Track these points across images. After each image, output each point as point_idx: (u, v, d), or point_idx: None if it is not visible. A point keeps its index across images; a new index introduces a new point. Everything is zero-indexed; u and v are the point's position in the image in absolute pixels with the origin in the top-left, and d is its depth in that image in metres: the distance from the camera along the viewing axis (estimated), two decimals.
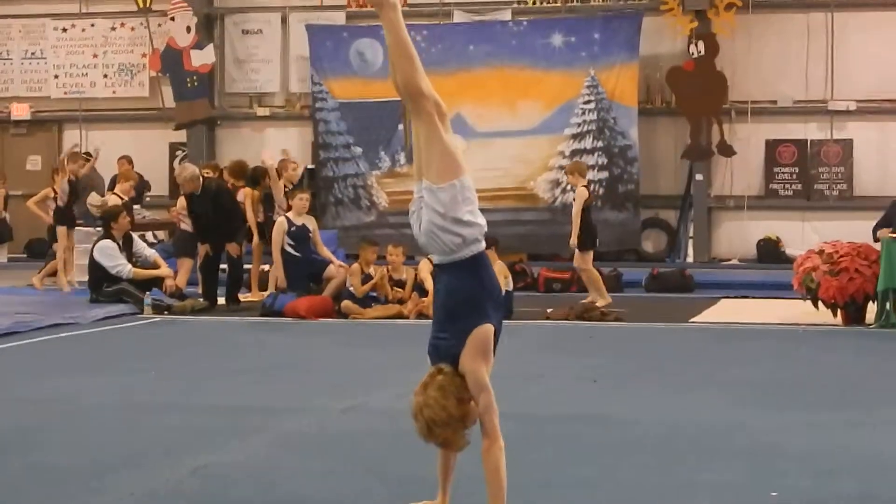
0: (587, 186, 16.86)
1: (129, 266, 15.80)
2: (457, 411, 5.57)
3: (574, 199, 16.66)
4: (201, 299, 16.02)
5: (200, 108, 24.36)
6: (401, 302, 15.18)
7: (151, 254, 16.42)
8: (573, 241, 16.33)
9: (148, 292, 15.61)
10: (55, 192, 18.37)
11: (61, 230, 18.37)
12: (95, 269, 15.94)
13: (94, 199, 18.89)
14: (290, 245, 15.73)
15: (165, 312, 15.42)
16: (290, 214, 15.91)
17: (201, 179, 16.36)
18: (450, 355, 5.66)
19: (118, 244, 15.94)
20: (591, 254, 16.56)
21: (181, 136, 24.56)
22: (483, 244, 5.77)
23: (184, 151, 24.39)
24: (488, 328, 5.66)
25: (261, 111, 24.52)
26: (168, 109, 24.47)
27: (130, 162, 21.44)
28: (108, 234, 16.05)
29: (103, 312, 14.95)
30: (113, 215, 16.27)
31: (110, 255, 15.83)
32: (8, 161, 25.82)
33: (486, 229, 5.79)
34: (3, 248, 23.82)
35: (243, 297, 16.67)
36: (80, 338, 13.33)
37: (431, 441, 5.66)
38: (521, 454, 7.48)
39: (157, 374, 10.85)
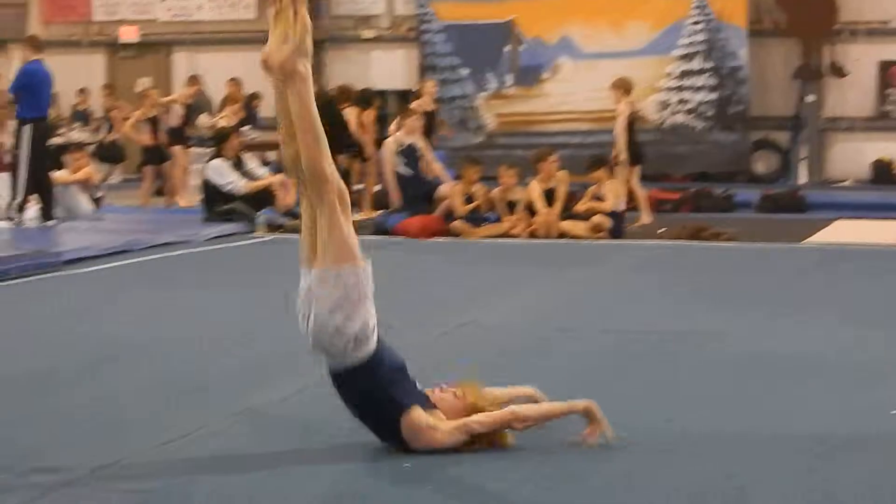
0: (631, 103, 16.75)
1: (242, 182, 15.89)
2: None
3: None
4: None
5: None
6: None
7: (263, 173, 16.50)
8: (622, 157, 16.32)
9: (260, 210, 15.70)
10: (146, 115, 18.53)
11: (176, 150, 18.58)
12: (208, 187, 16.07)
13: (204, 120, 19.03)
14: (401, 164, 15.75)
15: (278, 230, 15.53)
16: (399, 134, 15.91)
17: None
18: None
19: (230, 163, 16.05)
20: (637, 170, 16.51)
21: None
22: (373, 343, 5.43)
23: None
24: (413, 413, 5.34)
25: (367, 33, 24.51)
26: None
27: (239, 84, 21.57)
28: (219, 155, 16.17)
29: (216, 231, 15.09)
30: (224, 136, 16.38)
31: (222, 174, 15.94)
32: (118, 83, 26.07)
33: (374, 328, 5.44)
34: (118, 169, 24.13)
35: (357, 215, 16.72)
36: (193, 256, 13.47)
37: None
38: (649, 370, 7.49)
39: (268, 291, 10.92)
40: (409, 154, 15.79)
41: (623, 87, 16.96)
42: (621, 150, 16.38)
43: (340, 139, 16.34)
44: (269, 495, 4.91)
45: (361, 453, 5.46)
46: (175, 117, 18.35)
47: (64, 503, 4.84)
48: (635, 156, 16.52)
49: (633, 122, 16.70)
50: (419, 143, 16.05)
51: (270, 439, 5.82)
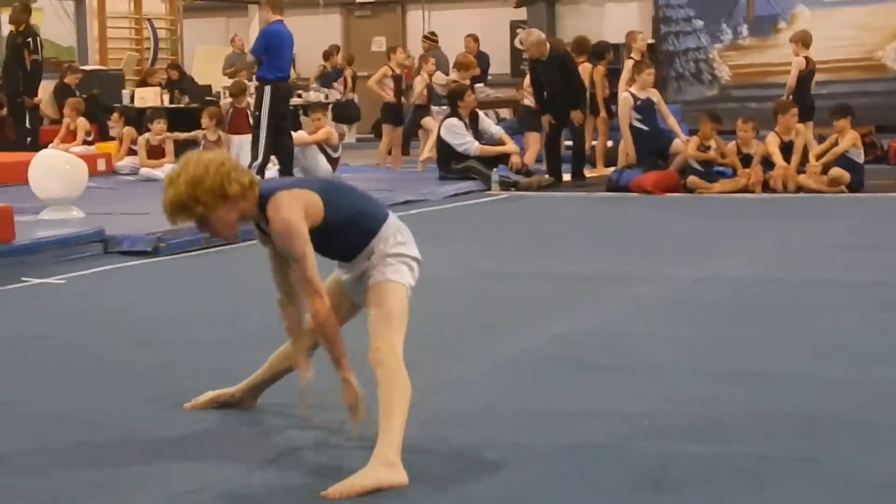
0: (807, 58, 16.41)
1: (476, 143, 16.05)
2: (208, 190, 4.71)
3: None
4: (547, 175, 16.18)
5: None
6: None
7: (497, 131, 16.61)
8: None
9: (495, 168, 15.84)
10: (392, 71, 18.69)
11: (427, 121, 18.80)
12: (443, 146, 16.26)
13: (439, 78, 19.21)
14: (636, 119, 15.70)
15: (512, 189, 15.65)
16: (633, 89, 15.85)
17: (548, 45, 16.43)
18: None
19: (464, 122, 16.21)
20: (809, 125, 16.28)
21: (521, 13, 24.69)
22: None
23: (524, 29, 24.51)
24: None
25: None
26: None
27: (476, 41, 21.72)
28: (454, 113, 16.33)
29: (452, 189, 15.29)
30: (458, 94, 16.52)
31: (457, 133, 16.11)
32: (353, 42, 26.50)
33: None
34: (353, 128, 24.57)
35: (589, 172, 16.77)
36: (431, 213, 13.68)
37: (165, 191, 4.78)
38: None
39: (505, 247, 11.08)
40: (645, 109, 15.72)
41: (802, 39, 16.79)
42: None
43: (575, 95, 16.35)
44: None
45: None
46: (421, 97, 18.46)
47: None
48: (807, 109, 16.18)
49: (808, 76, 16.34)
50: (655, 97, 15.96)
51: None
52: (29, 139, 18.37)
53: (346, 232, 4.99)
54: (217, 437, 5.25)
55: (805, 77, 16.41)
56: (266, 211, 4.80)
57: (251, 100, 16.42)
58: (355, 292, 5.15)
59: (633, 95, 15.75)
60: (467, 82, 17.61)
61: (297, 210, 4.79)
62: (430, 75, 18.38)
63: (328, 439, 5.18)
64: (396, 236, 5.04)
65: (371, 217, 5.04)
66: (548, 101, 16.29)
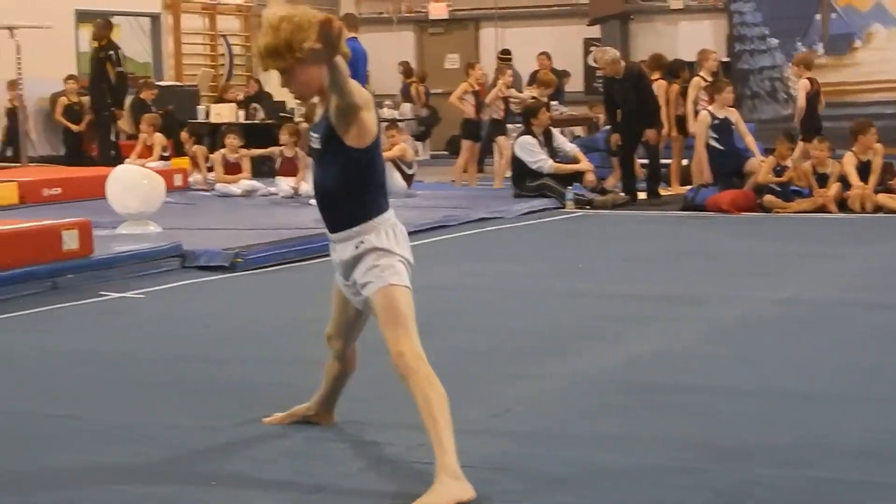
0: (810, 79, 16.39)
1: (550, 161, 16.00)
2: (300, 37, 4.78)
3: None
4: (622, 193, 16.12)
5: (614, 3, 24.39)
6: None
7: (571, 148, 16.55)
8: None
9: (569, 186, 15.80)
10: (472, 88, 18.67)
11: (499, 140, 18.80)
12: (517, 164, 16.25)
13: (513, 95, 19.20)
14: (713, 138, 15.58)
15: (587, 207, 15.61)
16: (712, 107, 15.74)
17: (622, 63, 16.39)
18: None
19: (538, 139, 16.18)
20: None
21: (595, 31, 24.66)
22: None
23: (598, 46, 24.47)
24: None
25: (674, 4, 24.37)
26: (582, 5, 24.64)
27: (549, 58, 21.72)
28: (528, 130, 16.31)
29: (526, 207, 15.26)
30: (533, 111, 16.49)
31: (531, 151, 16.08)
32: (427, 59, 26.56)
33: None
34: (427, 145, 24.63)
35: (664, 191, 16.70)
36: (506, 231, 13.67)
37: (262, 37, 4.89)
38: None
39: (581, 265, 11.06)
40: (722, 128, 15.59)
41: (804, 62, 16.86)
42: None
43: (650, 114, 16.28)
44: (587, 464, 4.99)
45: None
46: (498, 110, 18.43)
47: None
48: (815, 131, 16.07)
49: (815, 97, 16.30)
50: (733, 116, 15.84)
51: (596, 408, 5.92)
52: (113, 152, 18.52)
53: (357, 189, 4.97)
54: (290, 453, 5.27)
55: (812, 98, 16.32)
56: None
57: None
58: (354, 299, 5.14)
59: (711, 114, 15.64)
60: (545, 99, 17.58)
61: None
62: (507, 86, 18.35)
63: (401, 455, 5.19)
64: (388, 232, 5.01)
65: (379, 197, 5.02)
66: (622, 120, 16.23)
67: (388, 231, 5.01)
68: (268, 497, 4.73)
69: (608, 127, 16.45)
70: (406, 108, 23.38)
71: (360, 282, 4.97)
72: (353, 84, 4.78)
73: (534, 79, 20.82)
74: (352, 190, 4.97)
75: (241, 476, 4.98)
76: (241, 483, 4.90)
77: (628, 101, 16.07)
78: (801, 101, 16.33)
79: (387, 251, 4.97)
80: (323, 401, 5.63)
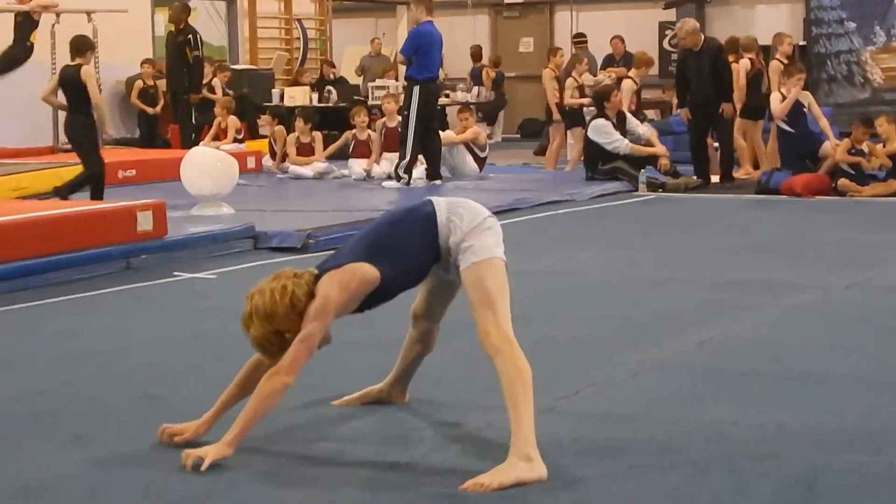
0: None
1: (626, 141, 15.88)
2: (283, 319, 4.90)
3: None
4: (695, 177, 16.02)
5: None
6: None
7: (645, 131, 16.44)
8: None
9: (643, 169, 15.72)
10: (555, 73, 18.60)
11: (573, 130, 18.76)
12: (591, 147, 16.17)
13: (587, 78, 19.16)
14: (784, 122, 15.44)
15: (660, 190, 15.53)
16: (783, 90, 15.59)
17: (702, 36, 16.24)
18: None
19: (612, 122, 16.10)
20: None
21: (670, 14, 24.52)
22: None
23: (673, 31, 24.34)
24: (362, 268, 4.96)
25: None
26: None
27: (623, 42, 21.65)
28: (601, 114, 16.24)
29: (599, 189, 15.20)
30: (605, 94, 16.41)
31: (606, 133, 15.98)
32: (501, 43, 26.53)
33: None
34: (499, 128, 24.64)
35: (737, 174, 16.58)
36: (578, 214, 13.63)
37: (246, 331, 4.99)
38: None
39: (653, 250, 11.01)
40: (793, 111, 15.45)
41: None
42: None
43: (726, 89, 16.10)
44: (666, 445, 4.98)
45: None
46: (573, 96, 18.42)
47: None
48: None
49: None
50: (805, 99, 15.69)
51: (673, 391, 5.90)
52: (193, 136, 18.63)
53: (409, 267, 5.04)
54: (364, 433, 5.29)
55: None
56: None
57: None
58: (445, 276, 5.17)
59: (782, 95, 15.49)
60: (638, 81, 17.62)
61: (335, 287, 4.90)
62: (580, 76, 18.29)
63: (469, 434, 5.21)
64: (452, 218, 5.05)
65: (420, 241, 5.05)
66: (693, 97, 16.02)
67: (451, 218, 5.09)
68: (343, 474, 4.77)
69: (683, 109, 16.29)
70: (477, 91, 23.36)
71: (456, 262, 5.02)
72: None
73: (608, 62, 20.80)
74: (409, 269, 5.13)
75: (317, 456, 5.02)
76: (316, 462, 4.95)
77: (702, 75, 15.86)
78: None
79: (471, 231, 5.03)
80: (397, 380, 5.66)
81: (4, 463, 5.00)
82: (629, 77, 18.11)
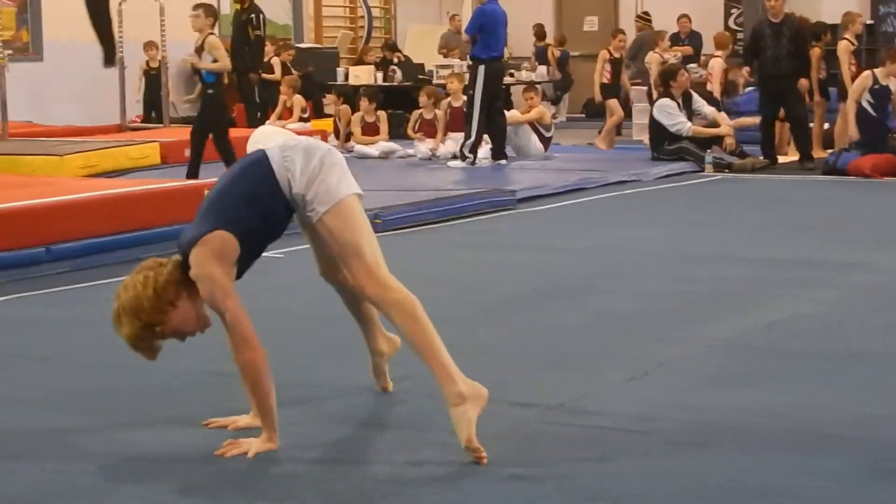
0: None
1: (689, 123, 15.85)
2: (150, 311, 4.72)
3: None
4: (762, 157, 15.93)
5: None
6: None
7: (711, 111, 16.36)
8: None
9: (709, 150, 15.65)
10: (610, 55, 18.61)
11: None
12: (656, 127, 16.13)
13: (650, 57, 19.11)
14: (868, 103, 15.13)
15: (726, 170, 15.46)
16: (877, 71, 15.27)
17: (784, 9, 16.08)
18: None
19: (678, 102, 16.04)
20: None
21: None
22: None
23: (738, 9, 24.20)
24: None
25: None
26: None
27: (690, 20, 21.56)
28: (667, 93, 16.19)
29: (665, 170, 15.16)
30: (671, 73, 16.36)
31: (670, 114, 15.94)
32: (566, 22, 26.46)
33: None
34: (564, 108, 24.60)
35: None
36: (643, 194, 13.60)
37: (117, 331, 4.79)
38: None
39: (718, 229, 10.98)
40: (880, 95, 15.06)
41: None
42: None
43: (803, 64, 15.93)
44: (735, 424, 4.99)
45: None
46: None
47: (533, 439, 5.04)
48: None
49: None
50: (894, 86, 15.35)
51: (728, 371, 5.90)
52: (259, 114, 18.71)
53: (260, 219, 4.94)
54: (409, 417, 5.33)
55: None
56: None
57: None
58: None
59: (874, 75, 15.21)
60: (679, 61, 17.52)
61: (211, 262, 4.75)
62: (664, 52, 18.41)
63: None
64: (286, 164, 4.92)
65: (263, 190, 4.94)
66: (768, 66, 15.78)
67: (285, 157, 5.00)
68: (401, 451, 4.83)
69: (751, 89, 16.15)
70: (542, 70, 23.33)
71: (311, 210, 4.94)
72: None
73: (674, 41, 20.74)
74: (266, 221, 5.06)
75: (345, 440, 5.12)
76: (339, 449, 5.03)
77: (779, 46, 15.62)
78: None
79: (315, 167, 4.95)
80: (374, 349, 5.66)
81: (112, 436, 5.11)
82: (717, 56, 18.19)
